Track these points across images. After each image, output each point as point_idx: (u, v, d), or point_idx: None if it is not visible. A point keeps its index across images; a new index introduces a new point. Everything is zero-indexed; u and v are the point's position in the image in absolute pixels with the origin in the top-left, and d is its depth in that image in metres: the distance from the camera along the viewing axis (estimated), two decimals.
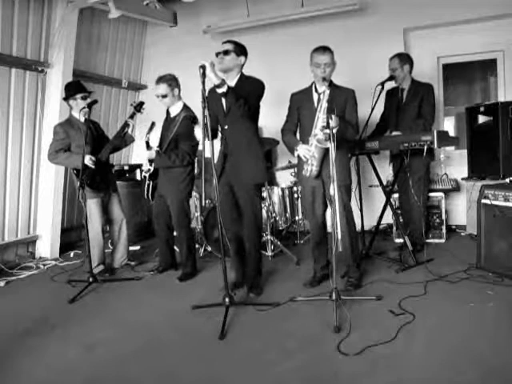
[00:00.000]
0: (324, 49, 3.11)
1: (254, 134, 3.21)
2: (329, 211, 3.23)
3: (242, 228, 3.25)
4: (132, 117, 3.80)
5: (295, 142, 3.20)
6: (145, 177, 3.83)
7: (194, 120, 3.65)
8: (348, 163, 3.32)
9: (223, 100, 3.07)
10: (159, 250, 4.04)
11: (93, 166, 3.67)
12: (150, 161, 3.72)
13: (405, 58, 4.03)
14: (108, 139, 4.02)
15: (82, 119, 3.74)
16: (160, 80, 3.64)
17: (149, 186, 3.85)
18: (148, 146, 3.66)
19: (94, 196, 3.82)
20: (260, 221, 3.28)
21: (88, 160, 3.64)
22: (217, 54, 3.08)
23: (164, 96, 3.63)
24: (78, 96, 3.78)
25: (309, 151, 3.07)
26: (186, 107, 3.72)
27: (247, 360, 2.33)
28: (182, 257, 3.80)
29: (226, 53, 3.05)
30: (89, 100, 3.79)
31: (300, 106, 3.25)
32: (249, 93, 3.03)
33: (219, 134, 3.28)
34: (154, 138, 3.79)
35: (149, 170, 3.76)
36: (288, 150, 3.36)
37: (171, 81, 3.65)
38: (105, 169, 3.88)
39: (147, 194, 3.87)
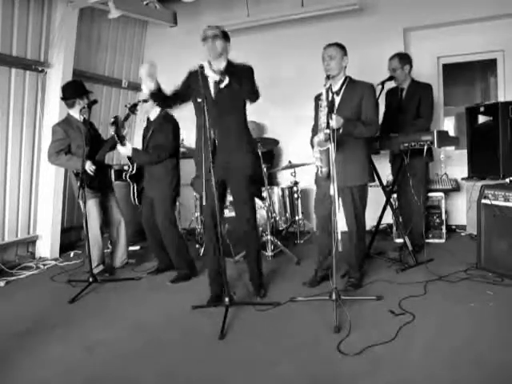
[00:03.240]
0: (329, 44, 3.13)
1: (244, 124, 3.10)
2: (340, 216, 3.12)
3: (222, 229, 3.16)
4: (127, 118, 3.74)
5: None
6: (130, 177, 3.80)
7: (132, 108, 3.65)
8: (366, 161, 3.21)
9: (211, 88, 2.96)
10: (155, 253, 4.01)
11: (92, 174, 3.68)
12: (130, 159, 3.70)
13: (405, 58, 4.04)
14: (103, 139, 4.03)
15: (81, 119, 3.74)
16: None
17: (133, 189, 3.81)
18: (122, 142, 3.53)
19: (93, 196, 3.82)
20: (255, 216, 3.15)
21: (89, 166, 3.65)
22: (204, 39, 2.94)
23: (145, 101, 3.63)
24: (85, 97, 3.81)
25: (316, 152, 3.04)
26: (163, 110, 3.67)
27: (247, 360, 2.33)
28: (173, 260, 3.79)
29: (214, 37, 2.93)
30: (87, 100, 3.79)
31: (317, 107, 3.18)
32: (244, 78, 2.91)
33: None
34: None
35: (131, 171, 3.76)
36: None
37: None
38: (103, 169, 3.89)
39: (133, 198, 3.83)
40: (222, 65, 2.99)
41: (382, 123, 4.27)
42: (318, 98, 3.25)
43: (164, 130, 3.61)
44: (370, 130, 3.09)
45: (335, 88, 3.11)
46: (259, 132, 5.25)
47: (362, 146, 3.18)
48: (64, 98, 3.85)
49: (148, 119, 3.78)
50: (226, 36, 3.04)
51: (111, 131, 3.51)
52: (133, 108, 3.72)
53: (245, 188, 3.09)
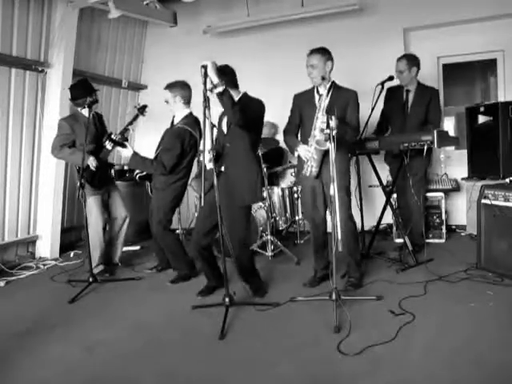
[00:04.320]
0: (312, 51, 3.14)
1: (251, 152, 3.11)
2: (328, 211, 3.24)
3: (211, 241, 3.24)
4: (135, 118, 3.71)
5: (295, 143, 3.23)
6: (140, 177, 3.87)
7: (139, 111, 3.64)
8: (347, 164, 3.31)
9: (224, 119, 3.05)
10: (155, 250, 4.05)
11: (94, 169, 3.67)
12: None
13: (412, 60, 3.97)
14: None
15: (90, 115, 3.74)
16: (167, 86, 3.63)
17: (149, 185, 3.97)
18: (123, 145, 3.50)
19: (94, 193, 3.82)
20: (243, 238, 3.13)
21: (91, 162, 3.65)
22: (211, 90, 2.76)
23: (166, 102, 3.61)
24: (93, 94, 3.81)
25: (308, 152, 3.09)
26: (187, 117, 3.61)
27: (247, 360, 2.33)
28: (171, 262, 3.82)
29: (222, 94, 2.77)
30: (95, 97, 3.81)
31: (302, 106, 3.26)
32: (250, 108, 2.96)
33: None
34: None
35: (141, 171, 3.79)
36: (289, 150, 3.38)
37: (174, 88, 3.60)
38: (105, 167, 3.89)
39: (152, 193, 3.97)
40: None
41: (380, 122, 4.28)
42: (297, 96, 3.30)
43: (171, 147, 3.50)
44: (355, 136, 3.22)
45: (321, 91, 3.13)
46: (274, 131, 5.26)
47: (345, 150, 3.24)
48: (74, 99, 3.84)
49: (172, 121, 3.70)
50: (235, 85, 3.07)
51: (108, 147, 3.51)
52: (142, 109, 3.69)
53: (240, 215, 3.09)
